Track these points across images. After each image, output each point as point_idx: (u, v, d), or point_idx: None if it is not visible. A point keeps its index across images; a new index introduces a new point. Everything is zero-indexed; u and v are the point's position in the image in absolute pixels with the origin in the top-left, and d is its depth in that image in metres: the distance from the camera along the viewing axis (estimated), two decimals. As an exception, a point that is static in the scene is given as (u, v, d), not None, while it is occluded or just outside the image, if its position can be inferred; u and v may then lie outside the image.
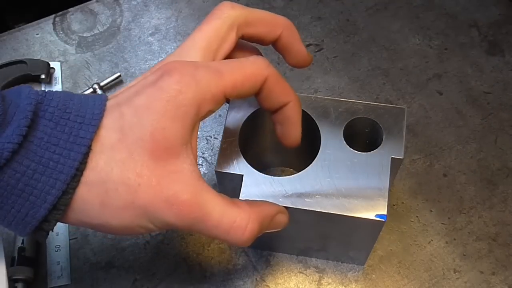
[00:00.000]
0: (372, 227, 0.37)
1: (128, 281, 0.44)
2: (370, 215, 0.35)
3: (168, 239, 0.46)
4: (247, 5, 0.59)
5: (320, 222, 0.38)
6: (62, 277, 0.44)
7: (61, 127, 0.28)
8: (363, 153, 0.38)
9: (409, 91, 0.53)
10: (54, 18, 0.59)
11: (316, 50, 0.56)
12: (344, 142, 0.38)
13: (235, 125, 0.39)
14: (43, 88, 0.53)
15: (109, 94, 0.53)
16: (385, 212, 0.35)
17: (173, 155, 0.30)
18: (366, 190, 0.36)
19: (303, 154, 0.42)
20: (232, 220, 0.31)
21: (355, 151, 0.38)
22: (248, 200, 0.34)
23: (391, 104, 0.52)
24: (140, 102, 0.30)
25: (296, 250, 0.44)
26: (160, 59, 0.56)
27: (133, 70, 0.55)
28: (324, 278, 0.44)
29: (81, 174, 0.28)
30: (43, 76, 0.53)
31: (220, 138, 0.51)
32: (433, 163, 0.49)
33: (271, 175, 0.37)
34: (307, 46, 0.57)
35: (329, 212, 0.36)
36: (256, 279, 0.44)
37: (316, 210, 0.36)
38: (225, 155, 0.38)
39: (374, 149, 0.38)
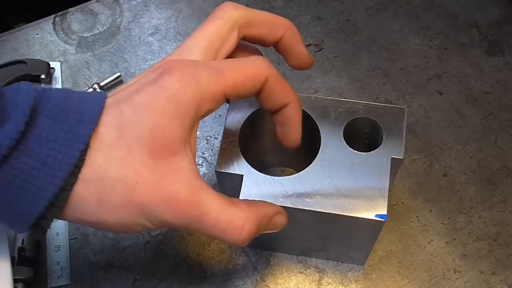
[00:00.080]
0: (372, 227, 0.37)
1: (128, 281, 0.44)
2: (370, 215, 0.35)
3: (168, 239, 0.46)
4: (247, 5, 0.59)
5: (320, 222, 0.38)
6: (62, 277, 0.44)
7: (59, 124, 0.28)
8: (363, 153, 0.38)
9: (409, 91, 0.53)
10: (54, 18, 0.59)
11: (316, 50, 0.56)
12: (344, 142, 0.38)
13: (235, 125, 0.39)
14: (43, 88, 0.53)
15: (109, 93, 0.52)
16: (385, 212, 0.35)
17: (172, 154, 0.29)
18: (366, 190, 0.36)
19: (303, 154, 0.42)
20: (230, 219, 0.31)
21: (355, 151, 0.38)
22: (247, 200, 0.34)
23: (391, 104, 0.52)
24: (140, 100, 0.30)
25: (296, 250, 0.44)
26: (160, 59, 0.56)
27: (133, 70, 0.56)
28: (324, 278, 0.44)
29: (79, 171, 0.28)
30: (43, 76, 0.53)
31: (220, 138, 0.51)
32: (433, 163, 0.49)
33: (271, 175, 0.37)
34: (307, 46, 0.57)
35: (329, 212, 0.36)
36: (256, 279, 0.44)
37: (316, 210, 0.36)
38: (225, 155, 0.38)
39: (374, 149, 0.38)
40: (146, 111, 0.29)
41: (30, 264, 0.44)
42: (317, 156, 0.38)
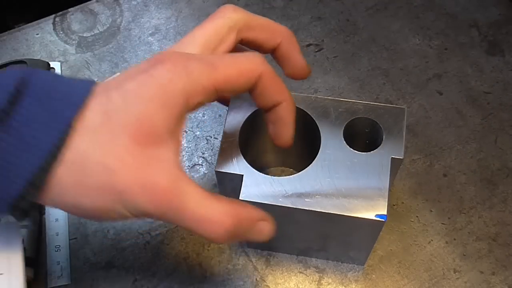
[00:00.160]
0: (372, 227, 0.37)
1: (128, 281, 0.44)
2: (370, 215, 0.35)
3: (168, 239, 0.46)
4: (247, 5, 0.60)
5: (320, 222, 0.38)
6: (62, 277, 0.44)
7: (44, 105, 0.28)
8: (363, 153, 0.38)
9: (409, 91, 0.53)
10: (54, 18, 0.59)
11: (316, 50, 0.56)
12: (344, 142, 0.38)
13: (235, 125, 0.39)
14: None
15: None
16: (385, 212, 0.35)
17: (157, 143, 0.29)
18: (366, 190, 0.36)
19: (303, 154, 0.42)
20: (207, 213, 0.30)
21: (355, 151, 0.38)
22: (233, 199, 0.33)
23: (391, 104, 0.52)
24: (129, 87, 0.30)
25: (296, 250, 0.44)
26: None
27: (133, 70, 0.55)
28: (324, 278, 0.44)
29: (60, 153, 0.28)
30: (43, 76, 0.53)
31: (220, 138, 0.51)
32: (433, 163, 0.49)
33: (271, 175, 0.37)
34: (307, 46, 0.57)
35: (329, 212, 0.36)
36: (256, 279, 0.44)
37: (316, 210, 0.36)
38: (225, 155, 0.38)
39: (374, 149, 0.38)
40: (134, 98, 0.29)
41: (30, 264, 0.44)
42: (317, 156, 0.38)
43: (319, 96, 0.40)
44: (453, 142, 0.50)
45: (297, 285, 0.44)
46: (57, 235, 0.46)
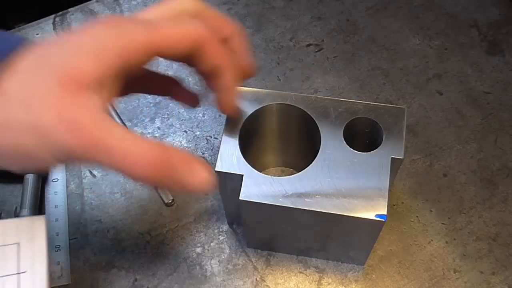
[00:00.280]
0: (372, 227, 0.37)
1: (128, 281, 0.44)
2: (370, 215, 0.35)
3: (168, 239, 0.46)
4: (247, 5, 0.60)
5: (320, 222, 0.38)
6: (62, 277, 0.44)
7: None
8: (363, 153, 0.38)
9: (409, 91, 0.53)
10: (54, 18, 0.59)
11: (316, 50, 0.56)
12: (344, 142, 0.38)
13: (235, 125, 0.39)
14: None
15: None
16: (385, 212, 0.35)
17: (84, 90, 0.29)
18: (366, 190, 0.36)
19: (303, 154, 0.42)
20: (131, 146, 0.29)
21: (355, 151, 0.38)
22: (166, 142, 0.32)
23: (391, 104, 0.52)
24: (65, 39, 0.30)
25: (296, 250, 0.44)
26: (160, 59, 0.56)
27: (133, 70, 0.55)
28: (324, 278, 0.44)
29: None
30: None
31: (220, 138, 0.51)
32: (433, 163, 0.49)
33: (271, 175, 0.37)
34: (307, 46, 0.57)
35: (329, 212, 0.36)
36: (256, 279, 0.44)
37: (316, 210, 0.36)
38: (225, 155, 0.38)
39: (374, 149, 0.38)
40: (67, 48, 0.30)
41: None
42: (317, 156, 0.38)
43: (319, 96, 0.40)
44: (453, 142, 0.50)
45: (297, 285, 0.44)
46: (57, 235, 0.46)
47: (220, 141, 0.39)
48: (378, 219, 0.35)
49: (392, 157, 0.37)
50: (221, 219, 0.47)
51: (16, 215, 0.46)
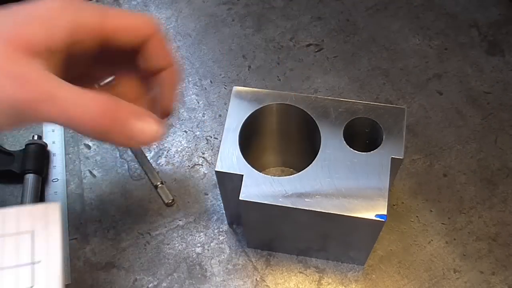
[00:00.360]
0: (372, 227, 0.37)
1: (128, 281, 0.44)
2: (370, 215, 0.35)
3: (168, 239, 0.46)
4: (247, 5, 0.60)
5: (320, 222, 0.38)
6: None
7: None
8: (363, 153, 0.38)
9: (409, 91, 0.53)
10: (54, 18, 0.59)
11: (316, 50, 0.56)
12: (344, 142, 0.38)
13: (235, 125, 0.39)
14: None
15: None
16: (385, 212, 0.35)
17: (32, 54, 0.30)
18: (366, 190, 0.36)
19: (303, 154, 0.42)
20: (78, 97, 0.30)
21: (355, 151, 0.38)
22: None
23: (391, 104, 0.52)
24: (20, 8, 0.31)
25: (296, 250, 0.44)
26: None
27: (133, 70, 0.55)
28: (324, 278, 0.44)
29: None
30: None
31: (220, 138, 0.51)
32: (433, 163, 0.49)
33: (271, 175, 0.37)
34: (307, 46, 0.57)
35: (329, 212, 0.36)
36: (256, 279, 0.44)
37: (316, 210, 0.36)
38: (225, 155, 0.38)
39: (374, 149, 0.38)
40: (22, 16, 0.30)
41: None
42: (317, 156, 0.38)
43: (319, 96, 0.40)
44: (453, 142, 0.50)
45: (297, 285, 0.44)
46: (57, 235, 0.46)
47: (220, 141, 0.39)
48: (378, 219, 0.35)
49: (392, 157, 0.37)
50: (221, 219, 0.47)
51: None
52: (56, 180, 0.49)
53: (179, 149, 0.51)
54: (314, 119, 0.39)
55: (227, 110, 0.40)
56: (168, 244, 0.46)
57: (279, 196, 0.36)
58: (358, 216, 0.35)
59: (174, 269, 0.45)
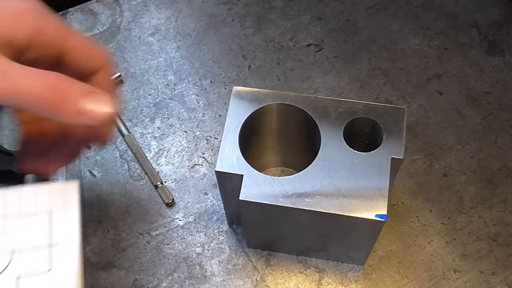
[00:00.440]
0: (372, 227, 0.37)
1: (128, 281, 0.44)
2: (370, 215, 0.35)
3: (168, 239, 0.46)
4: (247, 5, 0.60)
5: (320, 222, 0.38)
6: (62, 277, 0.44)
7: None
8: (363, 153, 0.38)
9: (409, 91, 0.53)
10: (54, 18, 0.59)
11: (316, 50, 0.56)
12: (344, 142, 0.38)
13: (235, 125, 0.39)
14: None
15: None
16: (385, 212, 0.35)
17: None
18: (366, 190, 0.36)
19: (303, 154, 0.42)
20: (28, 77, 0.30)
21: (355, 151, 0.38)
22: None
23: (391, 104, 0.52)
24: None
25: (296, 250, 0.44)
26: (160, 59, 0.56)
27: (133, 70, 0.55)
28: (324, 278, 0.44)
29: None
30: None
31: (220, 138, 0.51)
32: (433, 163, 0.49)
33: (271, 175, 0.37)
34: (307, 46, 0.57)
35: (329, 212, 0.36)
36: (256, 279, 0.44)
37: (316, 210, 0.36)
38: (225, 155, 0.38)
39: (374, 149, 0.38)
40: None
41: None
42: (317, 156, 0.38)
43: (319, 96, 0.40)
44: (453, 142, 0.50)
45: (297, 285, 0.44)
46: (57, 235, 0.46)
47: (220, 141, 0.39)
48: (378, 219, 0.35)
49: (392, 157, 0.37)
50: (221, 219, 0.47)
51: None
52: (56, 180, 0.49)
53: (179, 149, 0.51)
54: (314, 119, 0.39)
55: (227, 110, 0.40)
56: (168, 244, 0.46)
57: (279, 196, 0.36)
58: (358, 216, 0.35)
59: (174, 269, 0.45)
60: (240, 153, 0.38)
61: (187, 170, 0.49)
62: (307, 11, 0.59)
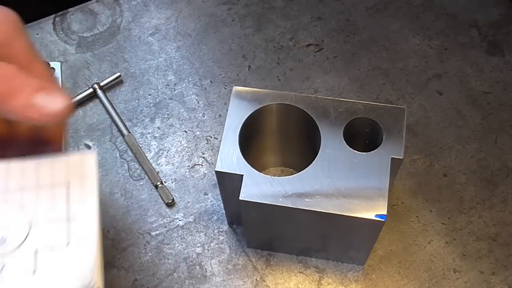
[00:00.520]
0: (372, 227, 0.37)
1: (128, 281, 0.44)
2: (370, 215, 0.35)
3: (168, 239, 0.46)
4: (247, 5, 0.60)
5: (320, 222, 0.38)
6: (62, 277, 0.44)
7: None
8: (363, 153, 0.38)
9: (409, 91, 0.53)
10: (54, 18, 0.59)
11: (316, 50, 0.56)
12: (344, 142, 0.38)
13: (235, 125, 0.39)
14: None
15: (109, 94, 0.53)
16: (385, 212, 0.35)
17: None
18: (366, 190, 0.36)
19: (303, 154, 0.42)
20: None
21: (355, 151, 0.38)
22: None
23: (391, 104, 0.52)
24: None
25: (296, 250, 0.44)
26: (160, 59, 0.56)
27: (133, 70, 0.56)
28: (324, 278, 0.44)
29: None
30: (42, 76, 0.53)
31: (220, 138, 0.51)
32: (433, 163, 0.49)
33: (271, 175, 0.37)
34: (307, 46, 0.57)
35: (329, 212, 0.36)
36: (256, 279, 0.44)
37: (316, 210, 0.36)
38: (225, 155, 0.38)
39: (374, 149, 0.38)
40: None
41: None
42: (317, 156, 0.38)
43: (319, 96, 0.40)
44: (453, 142, 0.50)
45: (297, 285, 0.44)
46: (57, 235, 0.46)
47: (220, 141, 0.39)
48: (378, 219, 0.35)
49: (392, 157, 0.37)
50: (221, 219, 0.47)
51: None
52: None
53: (179, 149, 0.51)
54: (314, 119, 0.39)
55: (227, 110, 0.40)
56: (168, 244, 0.46)
57: (279, 196, 0.36)
58: (358, 216, 0.35)
59: (174, 269, 0.45)
60: (240, 153, 0.38)
61: (187, 170, 0.49)
62: (307, 11, 0.59)
